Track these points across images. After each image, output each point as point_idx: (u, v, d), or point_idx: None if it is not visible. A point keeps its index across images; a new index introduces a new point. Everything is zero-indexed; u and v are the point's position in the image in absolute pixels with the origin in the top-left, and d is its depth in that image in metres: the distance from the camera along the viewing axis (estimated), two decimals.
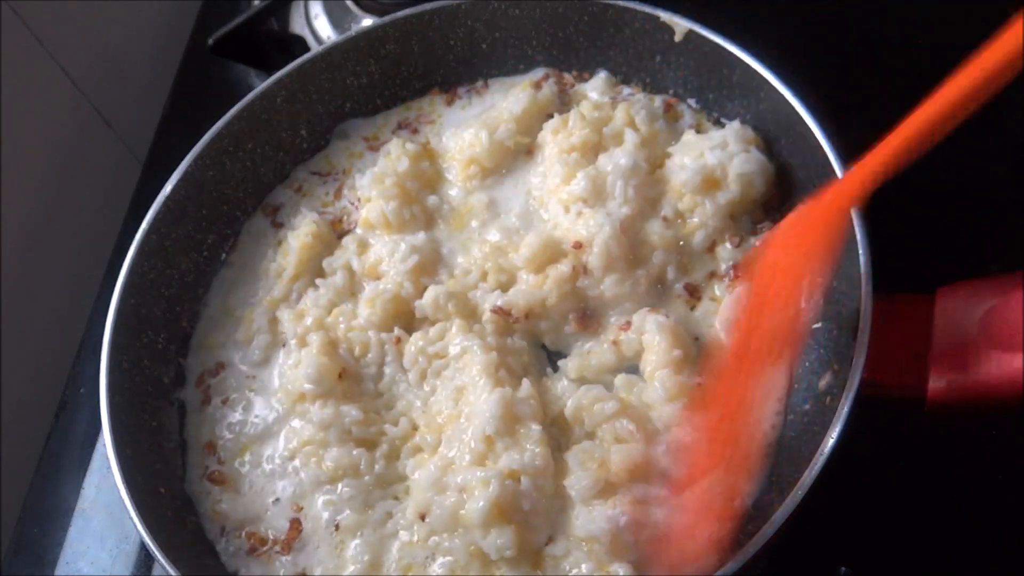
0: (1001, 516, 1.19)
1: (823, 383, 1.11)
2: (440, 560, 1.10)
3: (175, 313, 1.37)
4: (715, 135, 1.30)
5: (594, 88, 1.45)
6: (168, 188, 1.36)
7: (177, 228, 1.38)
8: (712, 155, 1.26)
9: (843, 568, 1.17)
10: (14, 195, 1.61)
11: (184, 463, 1.27)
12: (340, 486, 1.17)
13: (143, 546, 1.26)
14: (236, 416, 1.29)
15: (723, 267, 1.26)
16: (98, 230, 1.77)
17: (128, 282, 1.29)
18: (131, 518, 1.10)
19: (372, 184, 1.39)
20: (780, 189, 1.29)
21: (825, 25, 1.60)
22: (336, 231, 1.42)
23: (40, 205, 1.69)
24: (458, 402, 1.19)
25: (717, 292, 1.25)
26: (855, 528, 1.18)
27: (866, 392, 1.00)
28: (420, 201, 1.39)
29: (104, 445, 1.16)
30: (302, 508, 1.19)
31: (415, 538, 1.13)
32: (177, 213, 1.37)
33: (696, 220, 1.27)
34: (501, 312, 1.24)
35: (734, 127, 1.30)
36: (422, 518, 1.12)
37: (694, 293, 1.25)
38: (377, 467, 1.18)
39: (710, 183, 1.26)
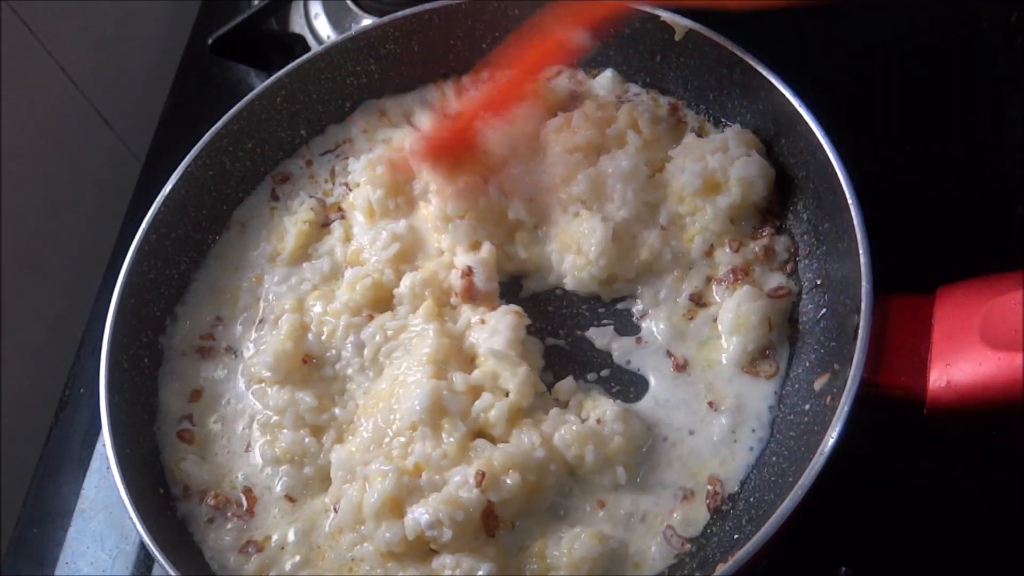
0: (1001, 516, 1.18)
1: (822, 383, 1.11)
2: (363, 567, 1.11)
3: (175, 313, 1.37)
4: (716, 138, 1.29)
5: (602, 86, 1.44)
6: (168, 188, 1.36)
7: (177, 228, 1.38)
8: (713, 158, 1.25)
9: (843, 568, 1.17)
10: (14, 195, 1.61)
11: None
12: (280, 471, 1.20)
13: (143, 546, 1.26)
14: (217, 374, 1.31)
15: (722, 271, 1.25)
16: (98, 230, 1.77)
17: (128, 282, 1.29)
18: (131, 518, 1.10)
19: (363, 170, 1.40)
20: (780, 192, 1.29)
21: (825, 25, 1.60)
22: (329, 216, 1.42)
23: (40, 205, 1.69)
24: (394, 385, 1.19)
25: (716, 297, 1.24)
26: (855, 528, 1.18)
27: (866, 392, 1.00)
28: (406, 192, 1.39)
29: (104, 445, 1.16)
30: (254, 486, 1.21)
31: (332, 530, 1.14)
32: (177, 213, 1.37)
33: (696, 224, 1.26)
34: (467, 274, 1.24)
35: (735, 130, 1.29)
36: (335, 509, 1.13)
37: (699, 301, 1.25)
38: (320, 459, 1.19)
39: (710, 186, 1.25)
